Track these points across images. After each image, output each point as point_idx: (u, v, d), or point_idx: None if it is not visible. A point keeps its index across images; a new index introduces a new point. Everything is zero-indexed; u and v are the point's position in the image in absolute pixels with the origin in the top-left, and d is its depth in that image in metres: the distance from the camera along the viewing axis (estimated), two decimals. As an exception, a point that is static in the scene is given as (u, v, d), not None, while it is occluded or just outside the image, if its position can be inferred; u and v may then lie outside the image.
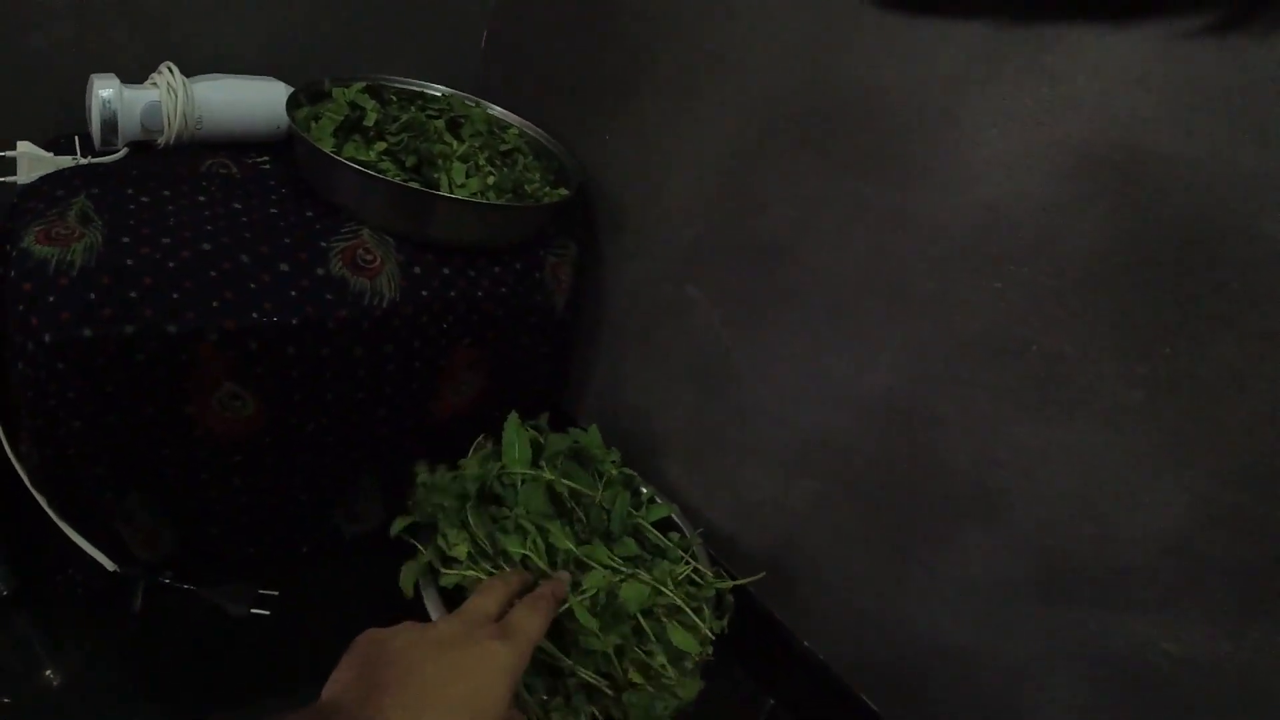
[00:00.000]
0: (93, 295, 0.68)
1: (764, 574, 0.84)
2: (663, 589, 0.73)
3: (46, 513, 0.79)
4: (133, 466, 0.78)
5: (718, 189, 0.88)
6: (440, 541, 0.75)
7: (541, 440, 0.85)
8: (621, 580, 0.72)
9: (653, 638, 0.71)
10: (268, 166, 0.91)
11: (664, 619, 0.73)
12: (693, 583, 0.80)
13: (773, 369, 0.88)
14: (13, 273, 0.69)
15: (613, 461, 0.87)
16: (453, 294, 0.84)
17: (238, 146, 0.94)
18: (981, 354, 0.70)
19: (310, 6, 1.04)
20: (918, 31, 0.69)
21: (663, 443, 1.03)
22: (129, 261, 0.71)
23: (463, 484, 0.78)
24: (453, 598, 0.73)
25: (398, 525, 0.80)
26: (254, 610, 0.87)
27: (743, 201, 0.86)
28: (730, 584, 0.82)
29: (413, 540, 0.78)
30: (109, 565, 0.82)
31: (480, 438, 0.88)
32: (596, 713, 0.70)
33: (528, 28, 1.11)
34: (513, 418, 0.83)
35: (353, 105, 0.88)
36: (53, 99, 0.92)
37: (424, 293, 0.82)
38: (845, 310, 0.80)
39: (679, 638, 0.71)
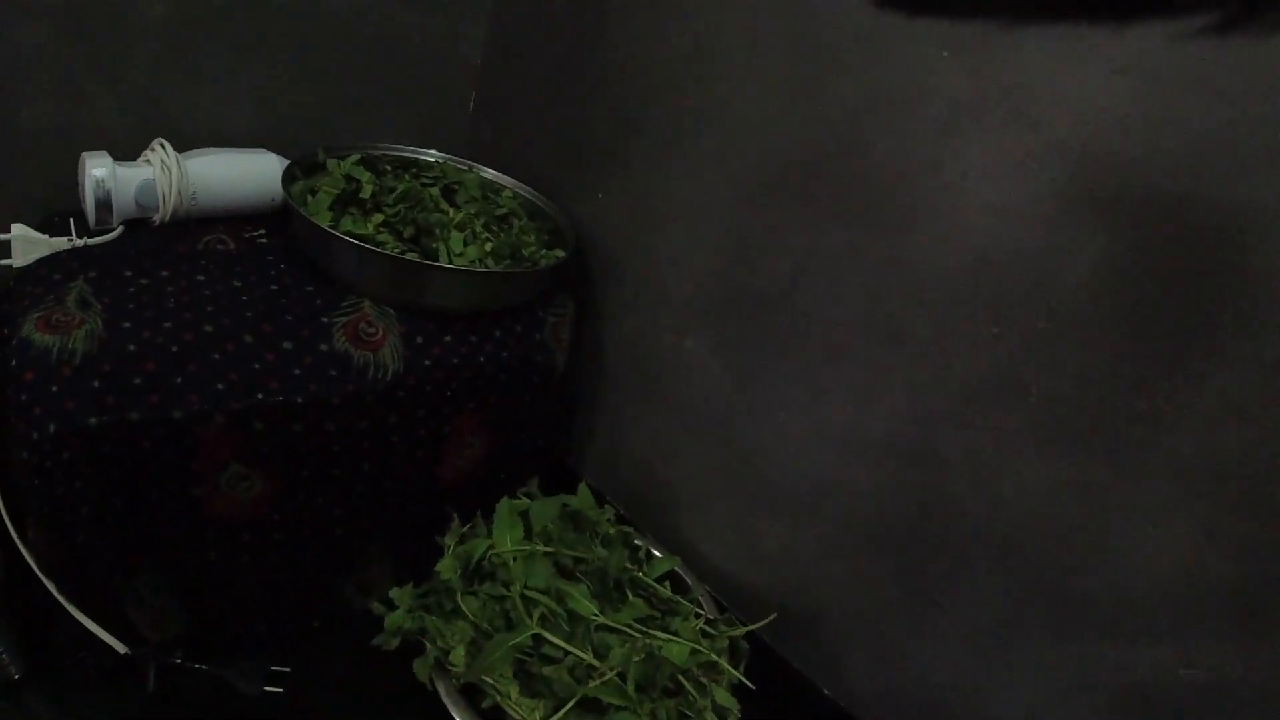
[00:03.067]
0: (96, 383, 0.68)
1: (775, 615, 0.85)
2: (698, 646, 0.74)
3: (56, 596, 0.78)
4: (141, 550, 0.77)
5: (712, 242, 0.90)
6: (439, 643, 0.76)
7: (528, 508, 0.85)
8: (659, 644, 0.72)
9: (695, 697, 0.71)
10: (265, 240, 0.92)
11: (701, 678, 0.73)
12: (705, 634, 0.80)
13: (775, 416, 0.88)
14: (14, 362, 0.69)
15: (608, 519, 0.88)
16: (455, 360, 0.84)
17: (234, 220, 0.94)
18: (983, 396, 0.72)
19: (298, 77, 1.05)
20: (903, 83, 0.71)
21: (668, 492, 1.03)
22: (131, 347, 0.71)
23: (444, 584, 0.79)
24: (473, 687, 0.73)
25: (386, 639, 0.80)
26: (267, 688, 0.86)
27: (737, 253, 0.87)
28: (744, 630, 0.82)
29: (418, 636, 0.78)
30: (120, 648, 0.81)
31: (455, 524, 0.87)
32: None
33: (515, 89, 1.13)
34: (504, 503, 0.84)
35: (348, 178, 0.89)
36: (43, 177, 0.93)
37: (427, 362, 0.83)
38: (845, 356, 0.81)
39: (720, 695, 0.72)
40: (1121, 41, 0.58)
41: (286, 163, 0.94)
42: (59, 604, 0.78)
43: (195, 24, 0.96)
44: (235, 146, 0.98)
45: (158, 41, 0.95)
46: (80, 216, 0.89)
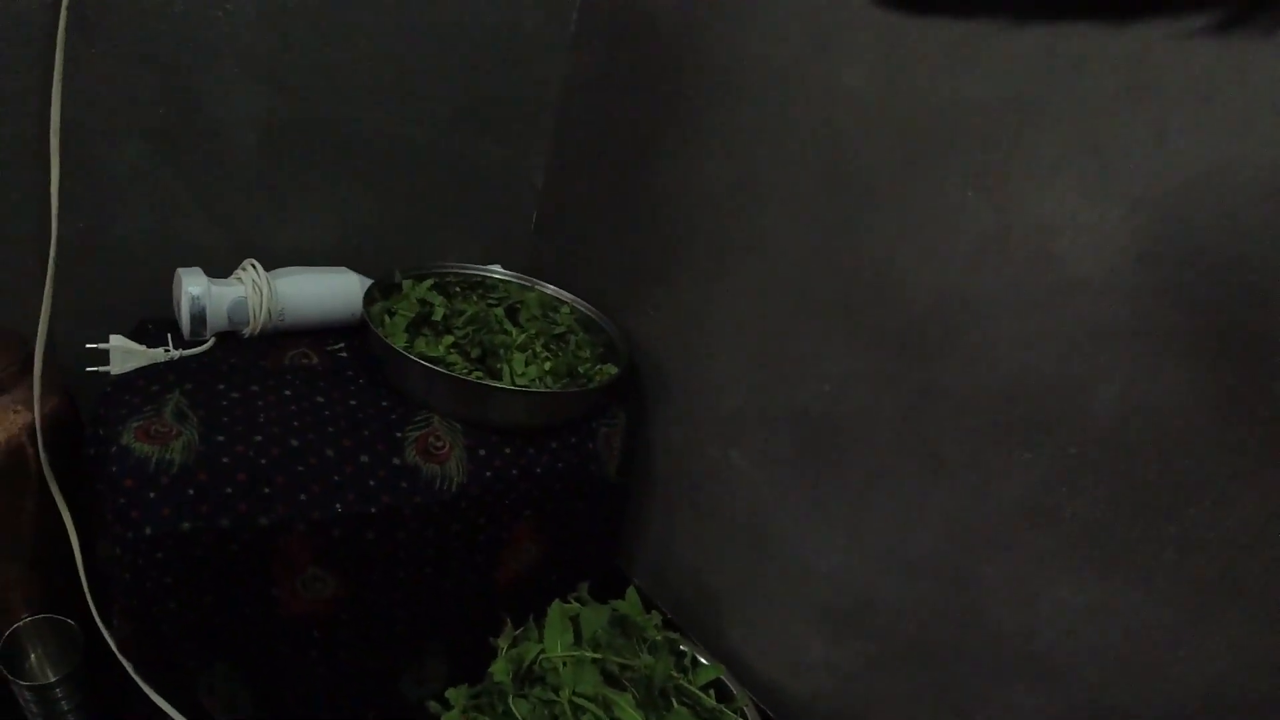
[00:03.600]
0: (191, 491, 0.75)
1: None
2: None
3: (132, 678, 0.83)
4: (218, 642, 0.83)
5: (755, 361, 0.95)
6: None
7: (579, 613, 0.89)
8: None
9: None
10: (345, 355, 0.99)
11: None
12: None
13: (817, 531, 0.92)
14: (114, 468, 0.76)
15: (655, 625, 0.91)
16: (515, 472, 0.90)
17: (316, 334, 1.02)
18: (1019, 518, 0.75)
19: (376, 200, 1.15)
20: (933, 218, 0.76)
21: (714, 600, 1.06)
22: (224, 459, 0.78)
23: (496, 686, 0.82)
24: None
25: None
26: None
27: (778, 373, 0.93)
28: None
29: None
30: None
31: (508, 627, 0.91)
32: None
33: (573, 210, 1.22)
34: (555, 607, 0.88)
35: (422, 301, 0.97)
36: (138, 288, 1.02)
37: (488, 473, 0.88)
38: (883, 476, 0.85)
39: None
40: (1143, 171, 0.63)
41: (365, 280, 1.03)
42: (135, 685, 0.84)
43: (283, 151, 1.06)
44: (318, 264, 1.07)
45: (249, 166, 1.05)
46: (172, 326, 0.97)
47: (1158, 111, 0.62)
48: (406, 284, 1.03)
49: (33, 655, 0.94)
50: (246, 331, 0.98)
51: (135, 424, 0.80)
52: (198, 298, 0.93)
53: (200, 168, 1.01)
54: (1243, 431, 0.62)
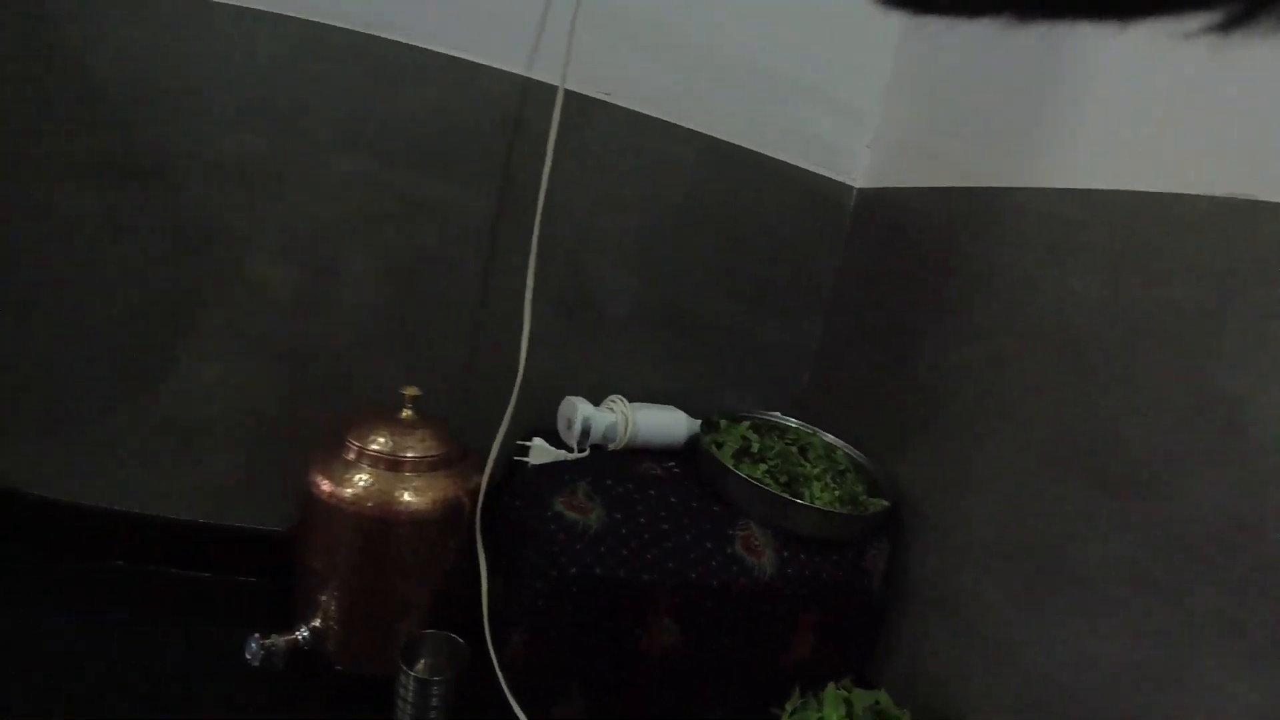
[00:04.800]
0: (601, 549, 1.09)
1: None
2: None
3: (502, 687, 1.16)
4: (585, 666, 1.14)
5: (1002, 505, 1.20)
6: None
7: (848, 696, 1.15)
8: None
9: None
10: (677, 470, 1.34)
11: None
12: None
13: (1055, 648, 1.12)
14: (551, 526, 1.12)
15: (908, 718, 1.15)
16: (806, 574, 1.19)
17: (654, 453, 1.38)
18: (1210, 628, 0.95)
19: (693, 358, 1.54)
20: (1146, 394, 1.01)
21: (957, 710, 1.26)
22: (623, 531, 1.12)
23: None
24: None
25: None
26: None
27: (1020, 513, 1.17)
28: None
29: None
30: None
31: (795, 694, 1.18)
32: None
33: (844, 372, 1.54)
34: (831, 688, 1.14)
35: (743, 437, 1.31)
36: (532, 405, 1.41)
37: (789, 570, 1.18)
38: (1112, 600, 1.06)
39: None
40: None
41: (688, 417, 1.39)
42: (495, 696, 1.15)
43: (641, 319, 1.48)
44: (654, 401, 1.44)
45: (618, 328, 1.47)
46: (551, 435, 1.36)
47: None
48: (723, 423, 1.37)
49: (423, 660, 1.27)
50: (612, 446, 1.35)
51: (560, 498, 1.16)
52: (587, 419, 1.32)
53: (586, 327, 1.43)
54: None
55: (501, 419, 1.29)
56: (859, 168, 1.61)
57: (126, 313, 1.35)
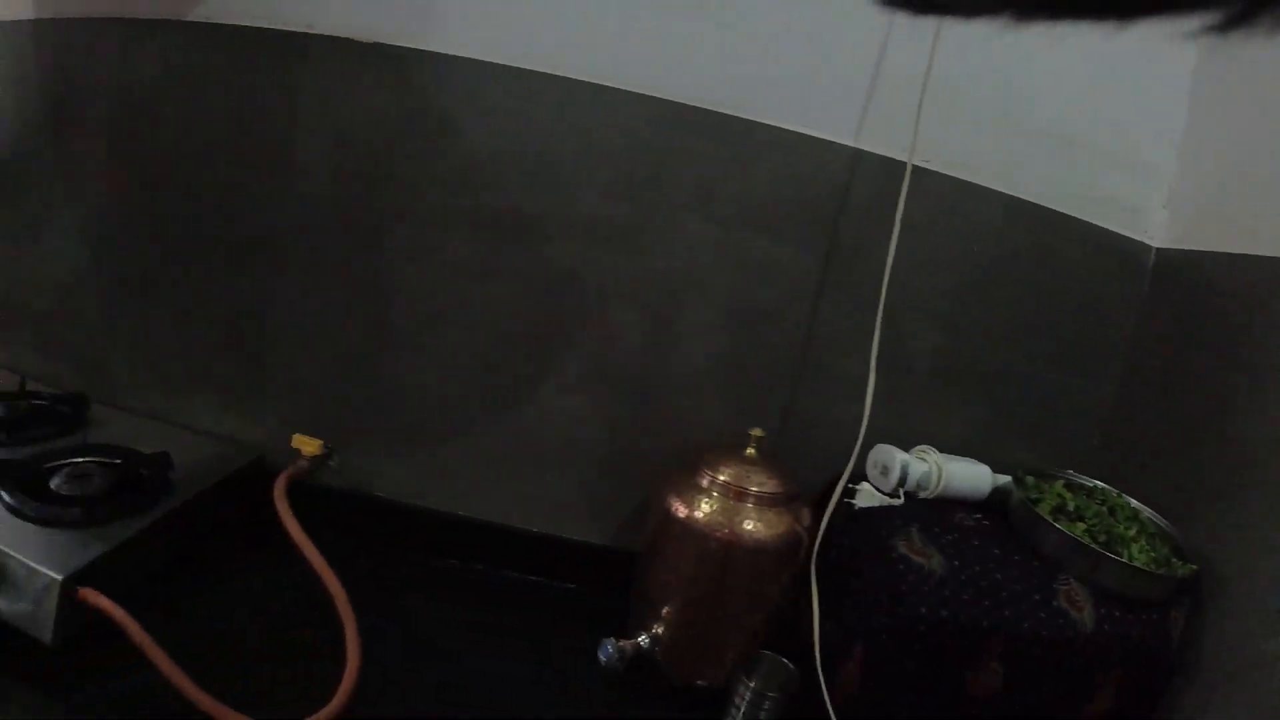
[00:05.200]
0: (946, 593, 1.21)
1: None
2: None
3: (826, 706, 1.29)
4: (915, 704, 1.25)
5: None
6: None
7: None
8: None
9: None
10: (986, 523, 1.43)
11: None
12: None
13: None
14: (900, 567, 1.25)
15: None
16: (1120, 631, 1.26)
17: (960, 504, 1.47)
18: None
19: (989, 411, 1.63)
20: None
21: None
22: (962, 577, 1.23)
23: None
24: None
25: None
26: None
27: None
28: None
29: None
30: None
31: None
32: None
33: (1141, 432, 1.58)
34: None
35: (1059, 495, 1.38)
36: (826, 450, 1.55)
37: (1105, 627, 1.25)
38: None
39: None
40: None
41: (991, 470, 1.47)
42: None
43: (943, 373, 1.59)
44: (951, 453, 1.54)
45: (924, 381, 1.58)
46: (858, 479, 1.47)
47: None
48: (1029, 479, 1.45)
49: (755, 677, 1.40)
50: (924, 495, 1.45)
51: (900, 541, 1.28)
52: (905, 465, 1.43)
53: (893, 379, 1.54)
54: None
55: (817, 462, 1.44)
56: (1156, 225, 1.64)
57: (490, 345, 1.57)
